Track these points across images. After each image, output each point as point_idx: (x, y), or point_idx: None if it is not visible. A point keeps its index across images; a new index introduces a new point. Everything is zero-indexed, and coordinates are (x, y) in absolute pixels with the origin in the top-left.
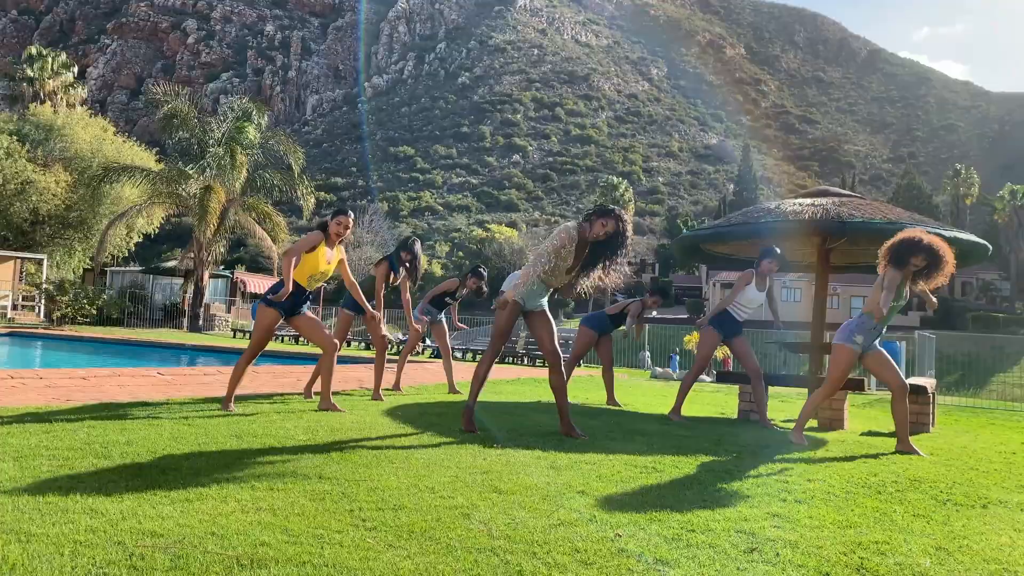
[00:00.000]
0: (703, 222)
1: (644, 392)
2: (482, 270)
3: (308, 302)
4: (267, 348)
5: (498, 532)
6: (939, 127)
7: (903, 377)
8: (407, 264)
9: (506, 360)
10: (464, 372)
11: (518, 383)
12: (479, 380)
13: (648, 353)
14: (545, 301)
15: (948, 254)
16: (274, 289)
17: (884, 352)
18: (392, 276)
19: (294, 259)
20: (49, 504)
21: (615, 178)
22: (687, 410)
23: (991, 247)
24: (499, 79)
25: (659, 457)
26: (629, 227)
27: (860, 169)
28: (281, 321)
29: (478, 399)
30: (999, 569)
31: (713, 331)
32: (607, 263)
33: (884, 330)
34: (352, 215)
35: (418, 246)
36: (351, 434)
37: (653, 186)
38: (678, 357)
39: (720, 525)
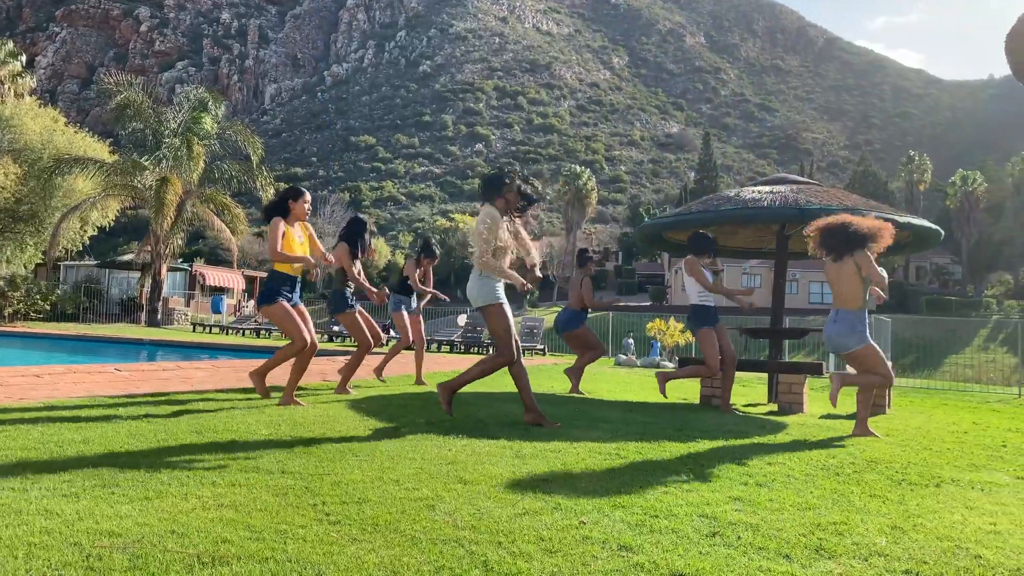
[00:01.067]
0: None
1: (607, 380)
2: (433, 246)
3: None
4: (229, 343)
5: (463, 523)
6: (894, 114)
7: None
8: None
9: (472, 350)
10: (431, 364)
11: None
12: (474, 375)
13: (632, 340)
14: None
15: (885, 228)
16: (269, 285)
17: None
18: (356, 255)
19: (285, 252)
20: (1, 506)
21: (578, 167)
22: (648, 396)
23: (943, 232)
24: (460, 68)
25: (623, 444)
26: (538, 185)
27: (818, 156)
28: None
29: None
30: (952, 546)
31: (708, 329)
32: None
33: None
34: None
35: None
36: (315, 428)
37: (616, 175)
38: (632, 342)
39: (683, 510)
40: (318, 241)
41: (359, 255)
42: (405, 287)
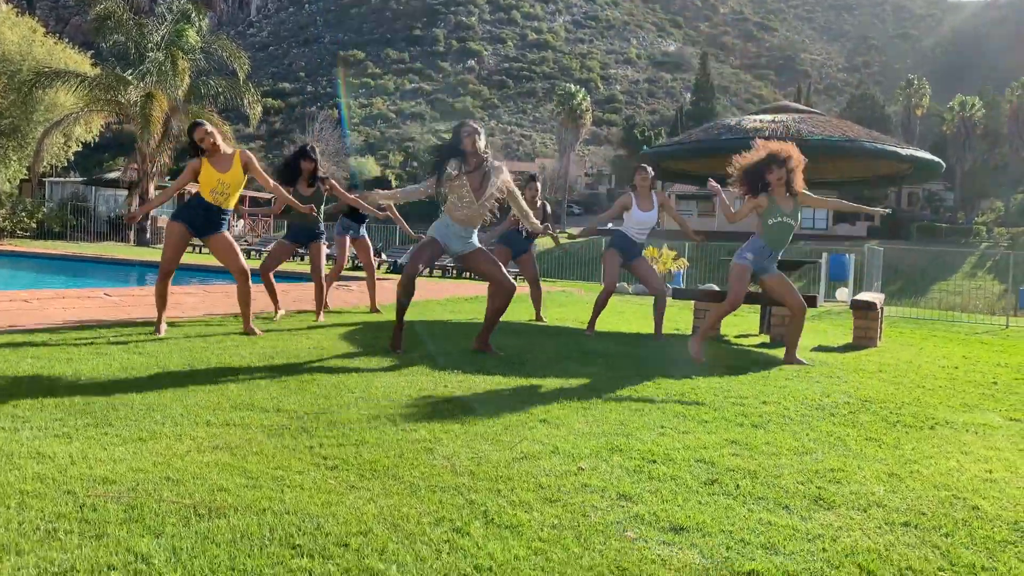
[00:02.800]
0: (659, 133)
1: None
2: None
3: (223, 221)
4: (218, 264)
5: (462, 468)
6: (895, 35)
7: (802, 299)
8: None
9: (465, 275)
10: (424, 291)
11: (476, 301)
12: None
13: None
14: (475, 239)
15: (788, 149)
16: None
17: (782, 276)
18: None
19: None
20: None
21: (572, 86)
22: (640, 327)
23: (944, 164)
24: None
25: (618, 380)
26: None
27: (816, 78)
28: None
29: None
30: (949, 496)
31: (613, 252)
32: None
33: (779, 253)
34: (205, 125)
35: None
36: (309, 361)
37: (611, 94)
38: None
39: (680, 455)
40: (260, 170)
41: (294, 183)
42: (355, 212)
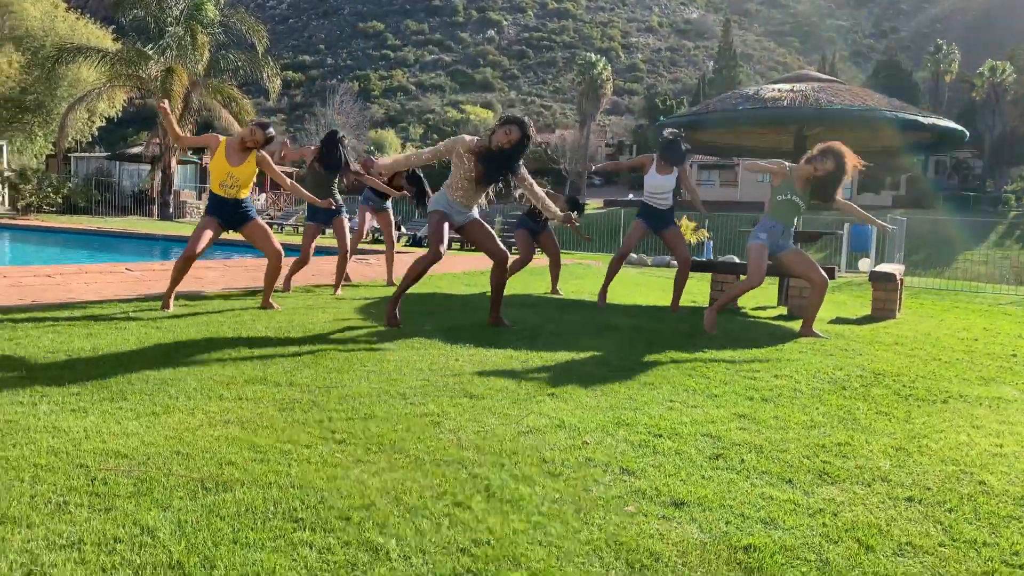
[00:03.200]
0: (682, 102)
1: (617, 280)
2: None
3: (250, 208)
4: (240, 239)
5: (467, 442)
6: (923, 0)
7: (824, 275)
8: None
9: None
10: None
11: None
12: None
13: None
14: (476, 212)
15: (847, 158)
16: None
17: (798, 251)
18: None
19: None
20: (10, 424)
21: (593, 55)
22: (657, 299)
23: (968, 133)
24: None
25: (630, 354)
26: (533, 134)
27: (841, 45)
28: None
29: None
30: (956, 471)
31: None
32: (507, 174)
33: (791, 230)
34: (270, 129)
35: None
36: (324, 335)
37: (632, 63)
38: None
39: (687, 429)
40: (271, 167)
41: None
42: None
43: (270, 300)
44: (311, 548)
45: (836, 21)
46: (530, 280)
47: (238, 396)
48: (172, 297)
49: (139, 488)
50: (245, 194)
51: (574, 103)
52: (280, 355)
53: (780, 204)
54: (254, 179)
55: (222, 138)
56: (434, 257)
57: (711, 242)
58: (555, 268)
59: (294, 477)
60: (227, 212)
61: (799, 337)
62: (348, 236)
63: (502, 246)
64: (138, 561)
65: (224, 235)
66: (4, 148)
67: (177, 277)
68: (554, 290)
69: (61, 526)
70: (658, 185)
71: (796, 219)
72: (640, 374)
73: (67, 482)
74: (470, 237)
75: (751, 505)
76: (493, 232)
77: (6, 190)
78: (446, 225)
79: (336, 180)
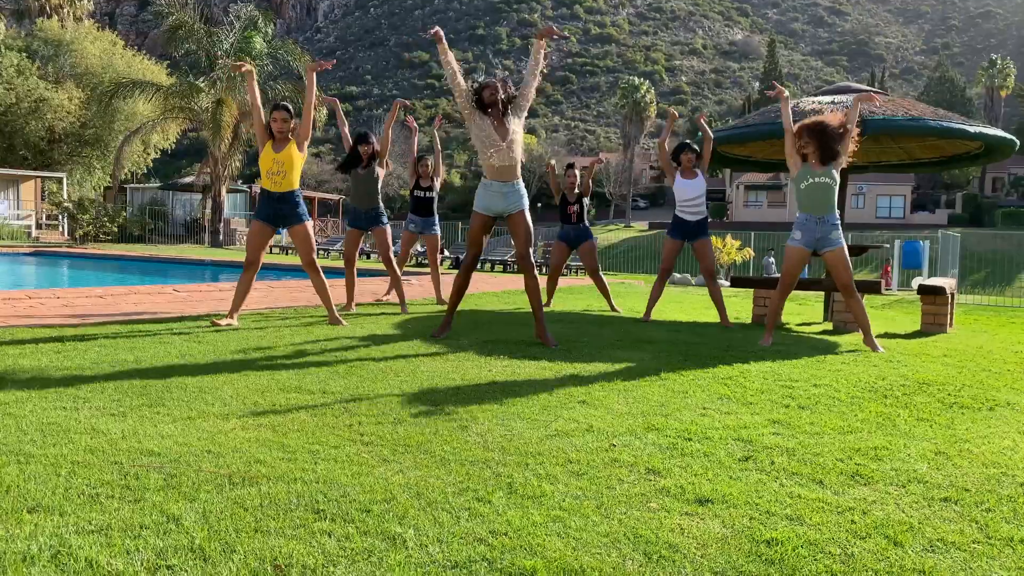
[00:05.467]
0: (727, 122)
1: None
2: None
3: (298, 208)
4: (288, 263)
5: (493, 444)
6: (976, 15)
7: (850, 276)
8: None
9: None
10: (480, 283)
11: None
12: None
13: (772, 259)
14: (521, 199)
15: (826, 119)
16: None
17: (843, 251)
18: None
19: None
20: (52, 425)
21: (636, 79)
22: (697, 315)
23: (1018, 142)
24: None
25: (665, 365)
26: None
27: (891, 62)
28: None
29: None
30: (997, 473)
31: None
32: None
33: (829, 217)
34: (284, 110)
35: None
36: (360, 348)
37: (676, 86)
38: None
39: (718, 433)
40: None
41: (357, 167)
42: (422, 208)
43: (336, 315)
44: (330, 536)
45: (885, 39)
46: (565, 297)
47: (272, 403)
48: (235, 314)
49: (168, 482)
50: (295, 181)
51: (618, 127)
52: (315, 366)
53: (804, 192)
54: (299, 166)
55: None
56: (470, 260)
57: (772, 261)
58: (600, 285)
59: (319, 473)
60: (274, 207)
61: (861, 347)
62: (390, 245)
63: (528, 248)
64: (161, 545)
65: (271, 259)
66: (64, 180)
67: (242, 289)
68: (612, 307)
69: (91, 514)
70: (686, 190)
71: (831, 200)
72: (673, 383)
73: (100, 476)
74: (513, 227)
75: (778, 503)
76: (531, 231)
77: (65, 220)
78: (481, 226)
79: (376, 183)
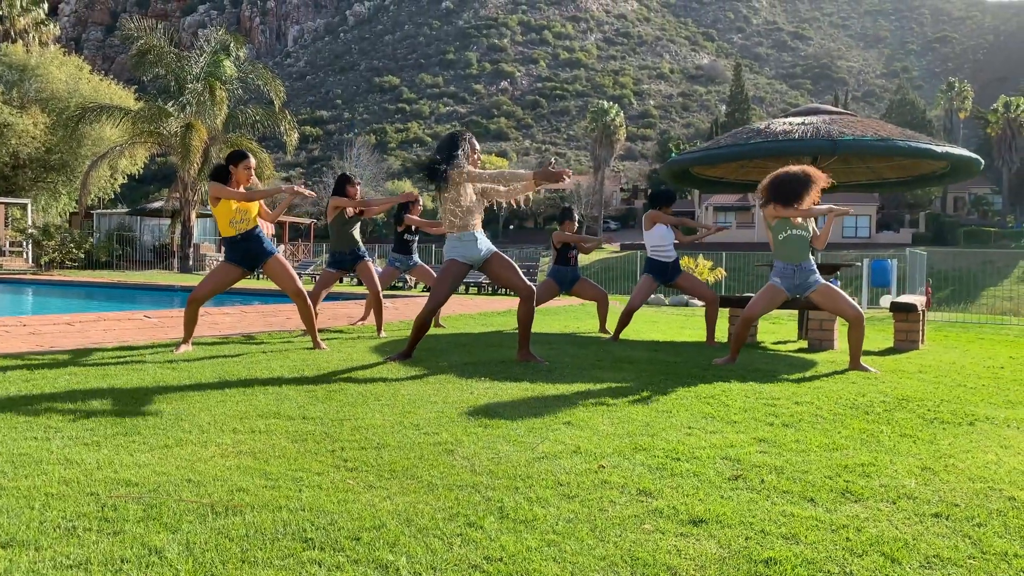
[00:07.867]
0: (695, 145)
1: (633, 319)
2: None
3: (264, 244)
4: (259, 287)
5: (481, 467)
6: (933, 39)
7: (857, 307)
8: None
9: (500, 291)
10: (457, 306)
11: (508, 315)
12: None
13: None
14: (488, 242)
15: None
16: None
17: (832, 287)
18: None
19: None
20: (23, 456)
21: (605, 103)
22: (674, 335)
23: (983, 161)
24: (484, 2)
25: (647, 385)
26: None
27: (853, 85)
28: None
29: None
30: (984, 487)
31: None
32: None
33: (807, 265)
34: (251, 159)
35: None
36: (338, 372)
37: (644, 110)
38: None
39: (705, 453)
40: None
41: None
42: (403, 244)
43: (319, 342)
44: (320, 566)
45: (847, 62)
46: (544, 319)
47: (251, 429)
48: (189, 342)
49: (148, 513)
50: (255, 220)
51: (588, 150)
52: (294, 391)
53: (784, 243)
54: (257, 205)
55: (217, 187)
56: (434, 308)
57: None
58: (602, 309)
59: (304, 501)
60: (242, 250)
61: (848, 371)
62: (375, 275)
63: (527, 281)
64: None
65: (241, 283)
66: (29, 206)
67: (190, 321)
68: (602, 329)
69: (69, 548)
70: (657, 237)
71: (807, 251)
72: (657, 403)
73: (77, 509)
74: (493, 272)
75: (772, 522)
76: (515, 265)
77: (30, 247)
78: (456, 275)
79: (357, 225)
